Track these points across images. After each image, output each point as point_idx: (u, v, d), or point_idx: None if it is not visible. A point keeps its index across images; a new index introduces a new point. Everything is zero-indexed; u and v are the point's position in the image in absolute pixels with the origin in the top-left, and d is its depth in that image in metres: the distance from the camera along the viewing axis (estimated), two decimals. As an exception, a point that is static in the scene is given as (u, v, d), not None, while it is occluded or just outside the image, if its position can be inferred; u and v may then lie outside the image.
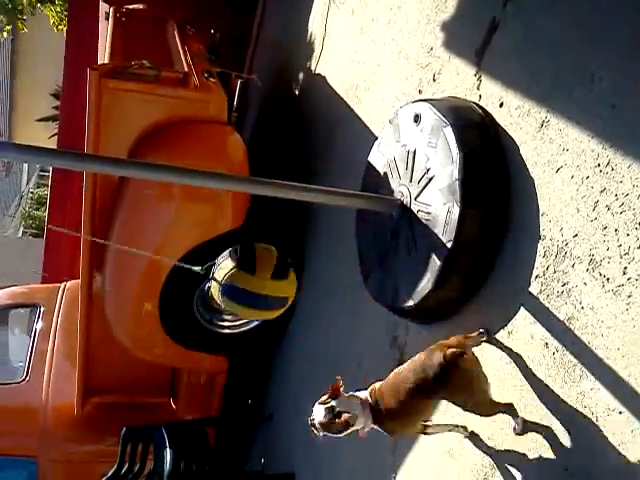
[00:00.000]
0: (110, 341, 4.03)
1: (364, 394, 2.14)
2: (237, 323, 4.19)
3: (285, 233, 4.15)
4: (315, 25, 4.63)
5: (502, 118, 2.36)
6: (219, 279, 2.74)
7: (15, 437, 4.33)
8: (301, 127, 4.52)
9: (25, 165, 18.83)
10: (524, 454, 2.07)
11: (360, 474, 3.12)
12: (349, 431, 2.09)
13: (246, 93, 4.88)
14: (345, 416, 2.04)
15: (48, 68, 11.66)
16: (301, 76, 4.74)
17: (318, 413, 2.09)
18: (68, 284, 5.22)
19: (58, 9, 8.88)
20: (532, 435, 2.05)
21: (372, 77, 3.52)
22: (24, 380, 4.50)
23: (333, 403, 2.08)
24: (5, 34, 9.65)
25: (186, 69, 3.88)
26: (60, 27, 9.09)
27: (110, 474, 3.86)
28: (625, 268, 1.78)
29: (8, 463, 4.19)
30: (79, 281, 4.05)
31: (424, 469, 2.58)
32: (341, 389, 2.11)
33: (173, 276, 3.77)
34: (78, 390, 4.10)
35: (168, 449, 3.72)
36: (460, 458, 2.36)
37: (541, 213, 2.12)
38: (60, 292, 5.15)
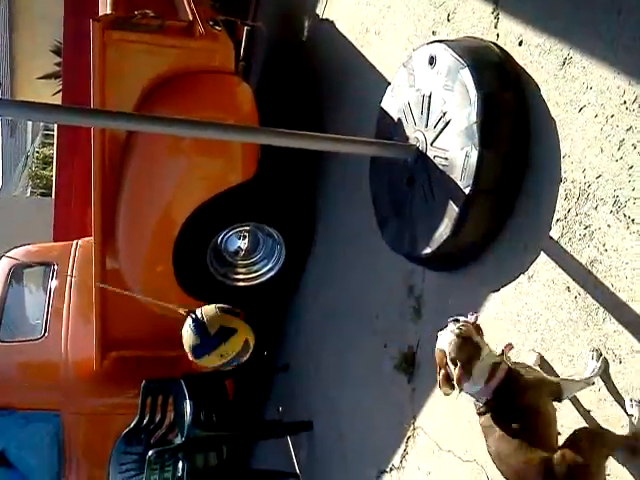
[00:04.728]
0: (126, 296, 4.05)
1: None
2: (251, 276, 4.20)
3: (298, 183, 4.11)
4: (321, -33, 4.47)
5: (521, 57, 2.28)
6: None
7: (39, 391, 4.41)
8: (310, 75, 4.41)
9: (29, 124, 18.65)
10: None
11: (378, 422, 3.16)
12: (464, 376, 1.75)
13: (252, 41, 4.75)
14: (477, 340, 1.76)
15: (46, 24, 11.42)
16: (308, 22, 4.61)
17: (447, 335, 1.79)
18: (81, 241, 5.23)
19: None
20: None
21: (383, 20, 3.41)
22: (43, 336, 4.56)
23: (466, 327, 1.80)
24: None
25: (190, 17, 3.77)
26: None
27: (132, 425, 3.94)
28: (652, 208, 1.74)
29: (34, 416, 4.29)
30: (92, 238, 4.04)
31: (443, 412, 2.61)
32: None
33: (186, 230, 3.76)
34: (96, 345, 4.15)
35: (188, 400, 3.78)
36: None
37: (563, 155, 2.07)
38: (73, 249, 5.16)
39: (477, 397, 1.79)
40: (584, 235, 1.97)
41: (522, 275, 2.21)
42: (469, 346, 1.76)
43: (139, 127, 3.04)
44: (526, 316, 2.19)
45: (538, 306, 2.14)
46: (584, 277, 1.96)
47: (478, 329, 1.82)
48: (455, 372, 1.75)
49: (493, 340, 2.31)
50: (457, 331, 1.77)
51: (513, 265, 2.25)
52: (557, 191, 2.07)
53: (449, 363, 1.77)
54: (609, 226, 1.88)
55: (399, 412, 2.91)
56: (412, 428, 2.83)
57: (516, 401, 1.75)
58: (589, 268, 1.94)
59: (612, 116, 1.87)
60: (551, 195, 2.09)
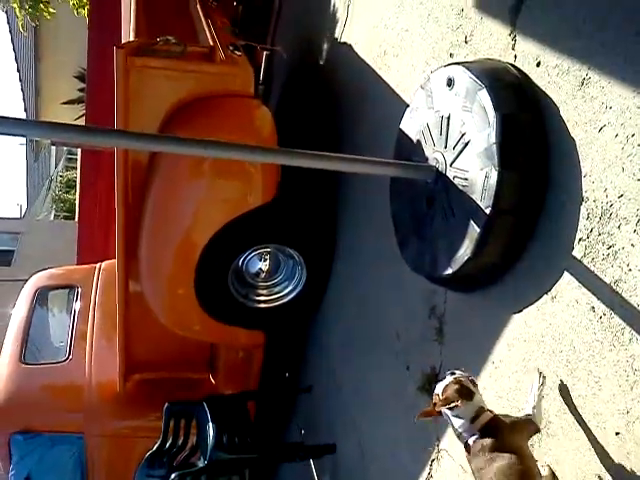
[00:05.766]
0: (149, 319, 4.09)
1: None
2: (272, 297, 4.22)
3: (318, 205, 4.13)
4: (338, -8, 4.53)
5: (540, 78, 2.28)
6: None
7: (63, 414, 4.46)
8: (329, 98, 4.46)
9: (53, 149, 19.03)
10: (575, 420, 2.04)
11: (402, 444, 3.13)
12: (455, 405, 1.96)
13: (271, 65, 4.82)
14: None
15: (70, 51, 11.70)
16: (327, 45, 4.67)
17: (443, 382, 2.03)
18: (103, 264, 5.30)
19: None
20: (579, 401, 2.02)
21: (400, 43, 3.44)
22: (67, 359, 4.61)
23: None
24: (35, 21, 9.70)
25: (211, 43, 3.84)
26: (80, 10, 9.11)
27: (155, 448, 3.95)
28: (676, 227, 1.72)
29: (58, 439, 4.32)
30: (115, 261, 4.10)
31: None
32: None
33: (208, 252, 3.79)
34: (120, 368, 4.18)
35: (210, 423, 3.78)
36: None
37: (583, 174, 2.06)
38: (96, 272, 5.23)
39: (461, 434, 1.98)
40: (607, 255, 1.95)
41: (545, 295, 2.19)
42: (462, 389, 1.97)
43: (162, 148, 3.09)
44: (550, 336, 2.17)
45: (562, 327, 2.12)
46: (609, 297, 1.94)
47: (473, 382, 2.04)
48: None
49: (518, 362, 2.30)
50: (452, 378, 2.02)
51: (536, 285, 2.24)
52: (579, 211, 2.06)
53: (442, 403, 1.99)
54: (633, 245, 1.86)
55: (423, 434, 2.88)
56: (436, 451, 2.80)
57: (498, 444, 1.90)
58: (614, 288, 1.92)
59: (633, 135, 1.86)
60: (573, 215, 2.08)
